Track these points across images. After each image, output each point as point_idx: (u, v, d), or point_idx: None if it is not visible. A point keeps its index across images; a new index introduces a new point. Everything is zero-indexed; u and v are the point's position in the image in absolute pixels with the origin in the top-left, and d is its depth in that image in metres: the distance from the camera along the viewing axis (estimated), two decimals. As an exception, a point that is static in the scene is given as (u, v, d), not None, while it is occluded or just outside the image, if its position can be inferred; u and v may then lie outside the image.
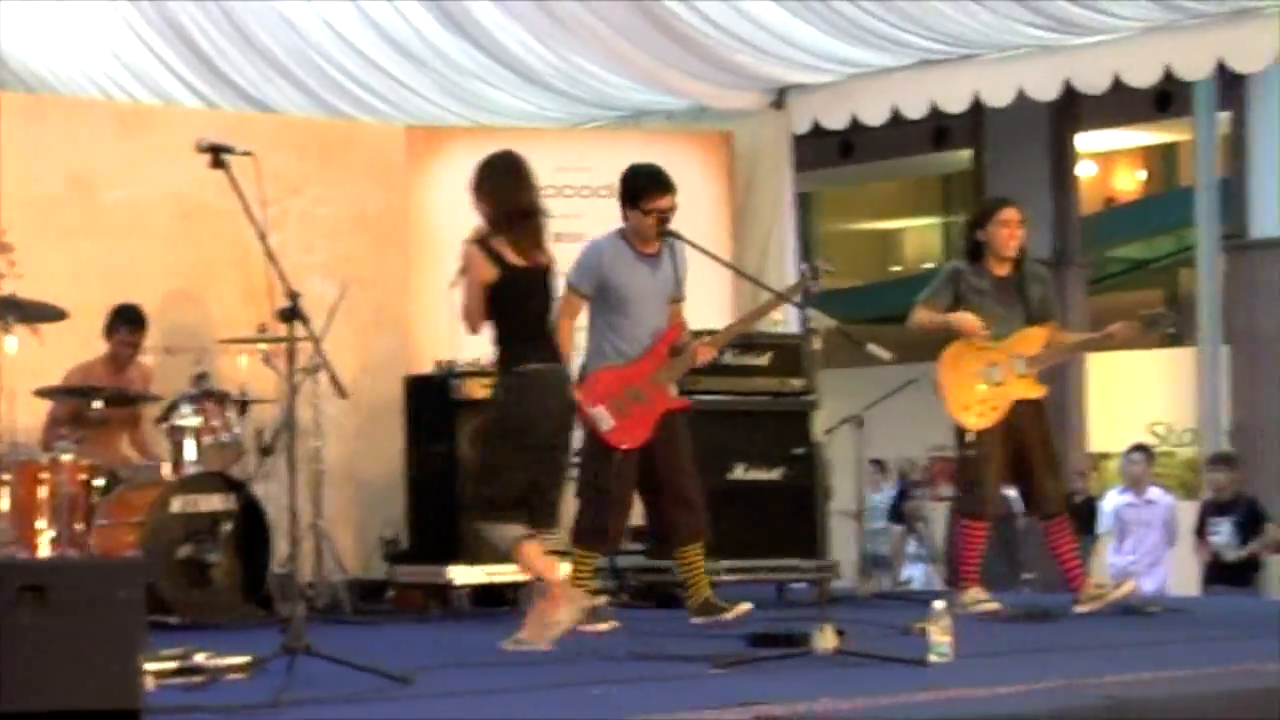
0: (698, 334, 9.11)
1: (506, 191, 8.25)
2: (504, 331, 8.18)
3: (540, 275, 8.22)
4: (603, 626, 8.63)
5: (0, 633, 5.01)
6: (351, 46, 13.20)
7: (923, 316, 9.69)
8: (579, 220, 12.28)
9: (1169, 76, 11.70)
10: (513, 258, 8.10)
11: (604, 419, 8.74)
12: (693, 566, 9.07)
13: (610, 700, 6.32)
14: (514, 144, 12.34)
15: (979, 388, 9.60)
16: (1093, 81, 11.84)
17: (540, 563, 8.06)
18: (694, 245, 8.55)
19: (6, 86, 14.08)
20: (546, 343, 8.24)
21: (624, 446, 8.77)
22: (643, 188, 8.92)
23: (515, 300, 8.10)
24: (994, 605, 9.61)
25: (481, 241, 8.13)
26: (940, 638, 7.14)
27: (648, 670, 7.22)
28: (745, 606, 8.82)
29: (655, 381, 8.82)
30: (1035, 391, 9.64)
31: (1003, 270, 9.69)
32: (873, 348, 8.02)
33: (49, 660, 5.02)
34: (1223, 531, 14.02)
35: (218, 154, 7.24)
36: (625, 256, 8.88)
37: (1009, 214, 9.72)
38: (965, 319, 9.54)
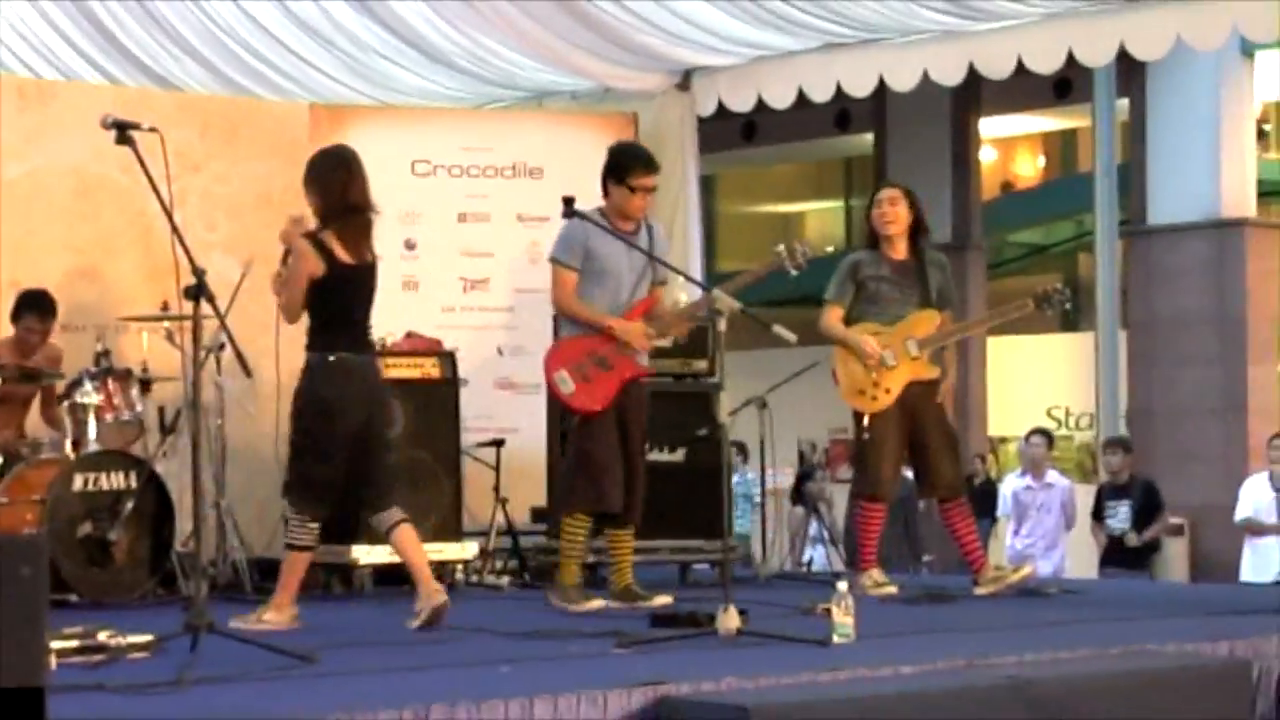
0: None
1: (338, 186, 8.29)
2: (319, 323, 8.25)
3: (365, 272, 8.29)
4: (593, 605, 8.77)
5: (-99, 610, 4.96)
6: (257, 23, 13.11)
7: (832, 322, 9.77)
8: (484, 200, 12.31)
9: (1071, 63, 11.78)
10: (340, 253, 8.16)
11: (564, 382, 8.90)
12: (620, 551, 9.18)
13: (514, 678, 6.34)
14: (419, 123, 12.52)
15: (873, 372, 9.67)
16: (996, 66, 11.91)
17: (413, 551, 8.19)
18: (594, 223, 8.56)
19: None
20: (361, 336, 8.34)
21: (586, 409, 8.88)
22: (629, 165, 9.02)
23: (338, 295, 8.19)
24: (892, 588, 9.69)
25: (312, 235, 8.15)
26: (843, 618, 7.20)
27: (552, 649, 7.24)
28: (666, 598, 8.84)
29: (621, 350, 8.88)
30: (928, 373, 9.72)
31: (899, 254, 9.78)
32: (778, 329, 8.03)
33: (-49, 637, 4.97)
34: (1120, 515, 14.19)
35: (123, 130, 7.20)
36: (604, 231, 8.91)
37: (884, 193, 9.91)
38: (864, 345, 9.62)
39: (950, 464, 9.88)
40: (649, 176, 9.04)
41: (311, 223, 8.25)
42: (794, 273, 9.01)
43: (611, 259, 8.97)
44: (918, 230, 9.85)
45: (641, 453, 9.07)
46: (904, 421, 9.70)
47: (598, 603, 8.92)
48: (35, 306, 10.13)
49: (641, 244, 8.98)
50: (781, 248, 8.92)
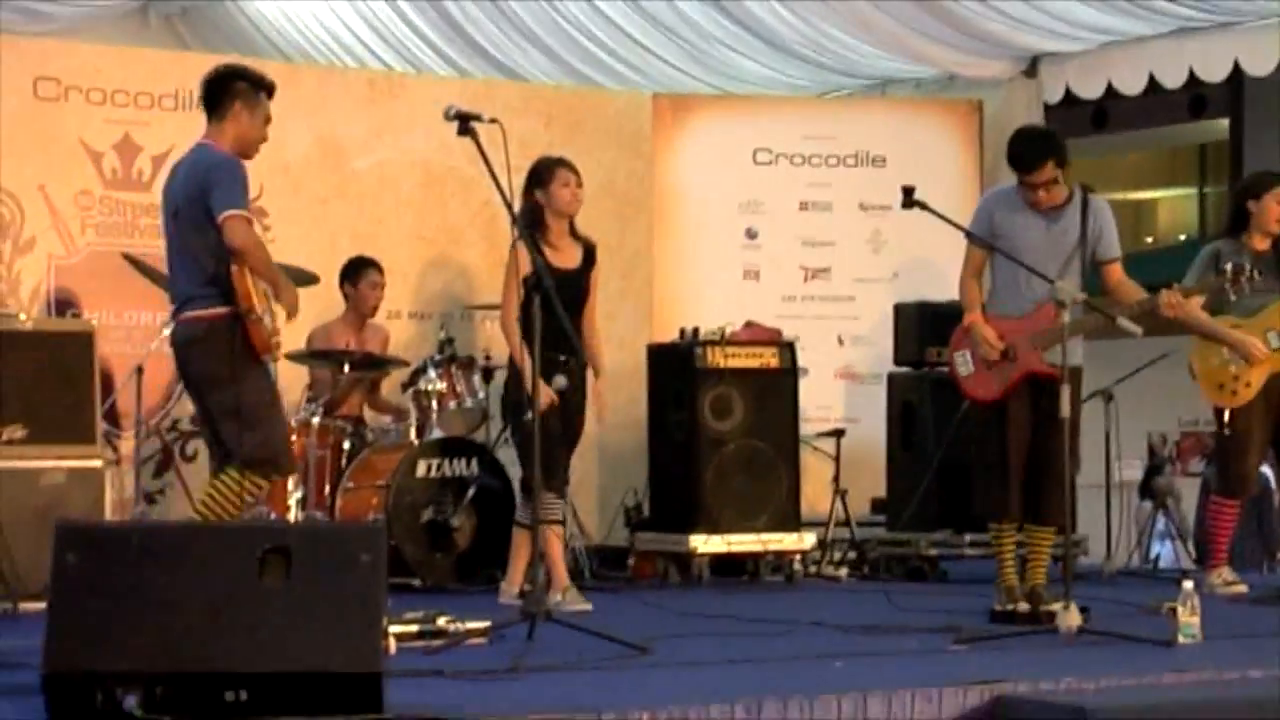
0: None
1: None
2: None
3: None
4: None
5: (245, 595, 5.07)
6: (600, 13, 13.20)
7: (1197, 312, 9.30)
8: (826, 189, 12.25)
9: None
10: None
11: (965, 363, 8.36)
12: (1035, 548, 8.46)
13: (848, 673, 6.28)
14: (761, 112, 12.53)
15: (1232, 365, 9.40)
16: (1358, 50, 11.49)
17: None
18: (935, 213, 8.37)
19: (262, 54, 14.29)
20: None
21: (974, 395, 8.37)
22: (1013, 164, 8.42)
23: None
24: (1242, 587, 9.41)
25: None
26: (1188, 618, 7.01)
27: (888, 644, 7.16)
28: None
29: (1034, 342, 8.17)
30: None
31: (1263, 245, 9.47)
32: (1124, 322, 7.83)
33: (292, 622, 5.07)
34: None
35: (465, 121, 7.29)
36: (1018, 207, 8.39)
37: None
38: (1249, 345, 9.32)
39: None
40: (1029, 173, 8.31)
41: None
42: (1234, 298, 8.86)
43: (1021, 236, 8.33)
44: None
45: (1056, 450, 7.80)
46: (1268, 415, 9.41)
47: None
48: (370, 262, 10.33)
49: (1064, 224, 8.37)
50: (1228, 269, 8.60)
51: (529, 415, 7.93)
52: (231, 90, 7.71)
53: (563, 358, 8.58)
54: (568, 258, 8.91)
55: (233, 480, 7.55)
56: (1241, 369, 9.39)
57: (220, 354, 7.49)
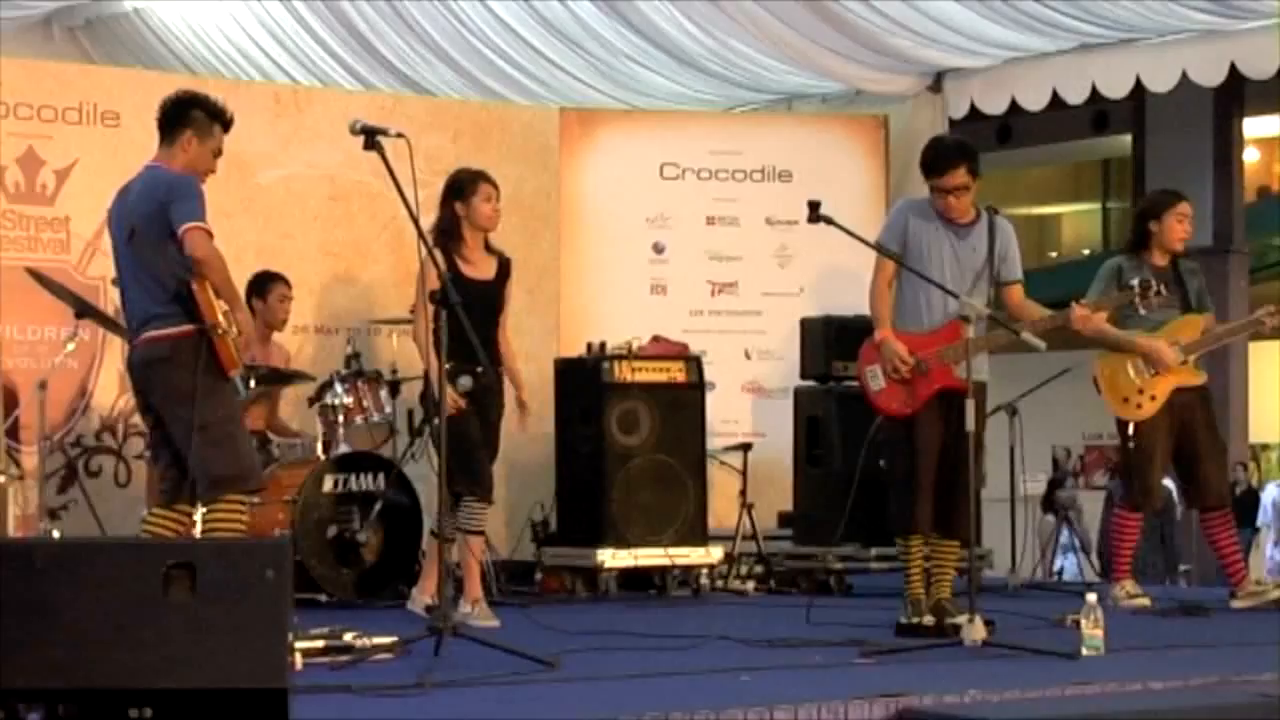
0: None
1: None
2: None
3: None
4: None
5: (150, 611, 5.04)
6: (506, 27, 13.22)
7: (1102, 324, 9.28)
8: (732, 204, 12.28)
9: (1338, 61, 11.46)
10: None
11: (875, 377, 8.34)
12: (941, 562, 8.48)
13: (756, 687, 6.29)
14: (668, 126, 12.55)
15: (1136, 379, 9.48)
16: (1259, 66, 11.60)
17: None
18: (841, 228, 8.39)
19: (167, 66, 14.24)
20: None
21: (886, 409, 8.38)
22: (929, 168, 8.44)
23: None
24: (1145, 600, 9.49)
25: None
26: (1092, 631, 7.06)
27: (794, 658, 7.19)
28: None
29: (943, 357, 8.21)
30: (1194, 378, 9.51)
31: (1163, 262, 9.58)
32: (1027, 336, 7.90)
33: (197, 639, 5.05)
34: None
35: (371, 136, 7.26)
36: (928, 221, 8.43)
37: (1185, 208, 9.68)
38: (1160, 351, 9.41)
39: (1218, 473, 9.67)
40: (946, 176, 8.36)
41: None
42: (1143, 312, 8.97)
43: (932, 249, 8.38)
44: None
45: (964, 463, 7.99)
46: (1172, 430, 9.50)
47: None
48: (278, 276, 10.29)
49: (972, 240, 8.42)
50: (1136, 283, 8.71)
51: (458, 425, 8.17)
52: (187, 118, 7.67)
53: (478, 369, 8.57)
54: (482, 270, 8.93)
55: (227, 504, 7.50)
56: (1146, 383, 9.47)
57: (187, 371, 7.42)
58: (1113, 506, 14.58)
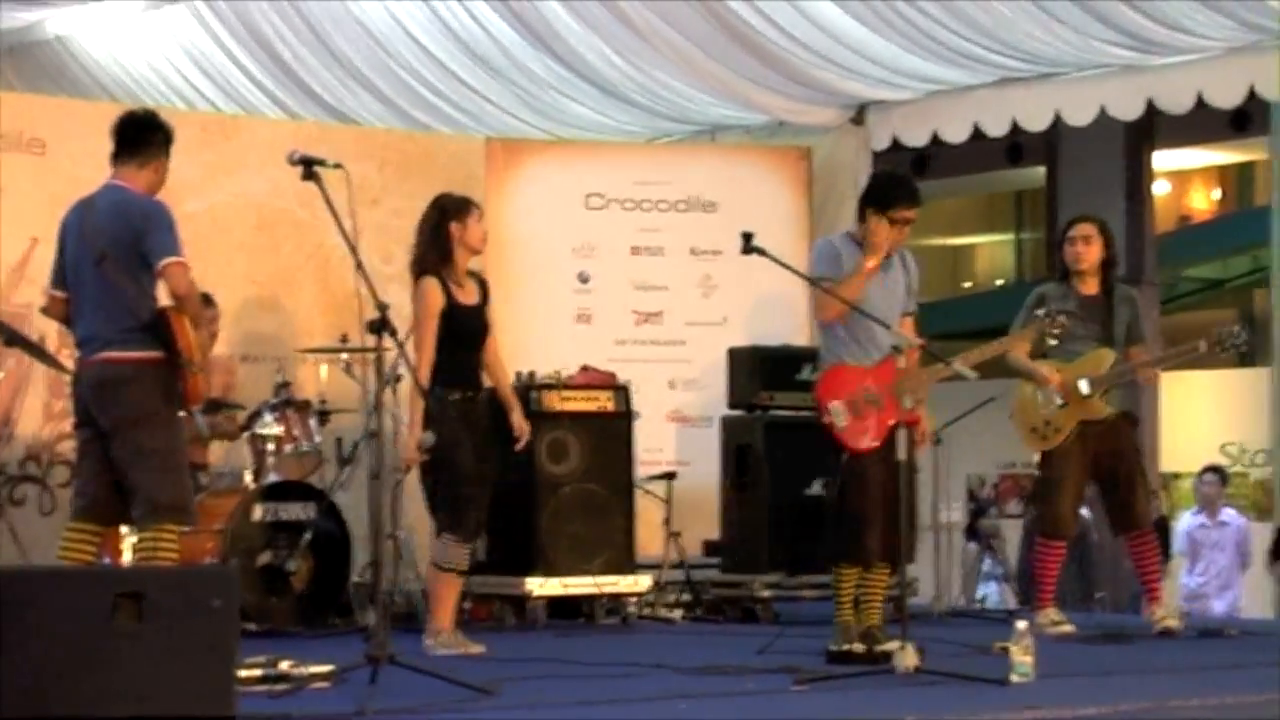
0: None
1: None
2: None
3: None
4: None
5: (97, 639, 5.05)
6: (432, 57, 13.25)
7: (1017, 354, 9.59)
8: (657, 234, 12.35)
9: (1251, 96, 11.63)
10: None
11: (839, 414, 8.38)
12: (872, 589, 8.59)
13: (693, 715, 6.34)
14: (593, 157, 12.60)
15: (1043, 410, 9.59)
16: (1175, 101, 11.78)
17: None
18: (774, 259, 8.49)
19: (90, 95, 14.19)
20: None
21: (855, 446, 8.37)
22: (895, 195, 8.55)
23: None
24: (1069, 627, 9.59)
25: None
26: (1022, 658, 7.13)
27: (729, 685, 7.23)
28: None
29: (893, 390, 8.32)
30: (1099, 412, 9.56)
31: (1090, 289, 9.69)
32: (959, 366, 7.99)
33: (144, 667, 5.07)
34: (1306, 557, 13.88)
35: (309, 166, 7.30)
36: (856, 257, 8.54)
37: (1077, 229, 9.80)
38: (1041, 374, 9.54)
39: (1142, 498, 9.76)
40: (913, 209, 8.57)
41: None
42: (1052, 343, 9.24)
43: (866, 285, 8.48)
44: (1110, 264, 9.76)
45: (901, 497, 8.09)
46: (1085, 459, 9.59)
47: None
48: (207, 298, 10.25)
49: (895, 274, 8.57)
50: (1041, 314, 8.92)
51: (439, 453, 8.33)
52: (156, 139, 7.73)
53: (470, 394, 8.65)
54: (469, 294, 8.88)
55: (166, 533, 7.52)
56: (1052, 415, 9.57)
57: (150, 396, 7.46)
58: (1031, 535, 14.78)
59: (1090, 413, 9.56)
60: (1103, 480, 9.70)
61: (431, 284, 8.69)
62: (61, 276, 7.78)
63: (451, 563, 8.75)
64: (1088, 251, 9.68)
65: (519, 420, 9.00)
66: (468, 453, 8.65)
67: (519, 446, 9.07)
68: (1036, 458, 9.91)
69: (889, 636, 8.07)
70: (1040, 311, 9.03)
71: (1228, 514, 15.13)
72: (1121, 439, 9.67)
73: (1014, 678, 7.09)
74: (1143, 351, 9.77)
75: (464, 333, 8.66)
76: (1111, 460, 9.60)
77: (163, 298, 7.65)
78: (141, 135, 7.73)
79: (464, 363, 8.72)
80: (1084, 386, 9.52)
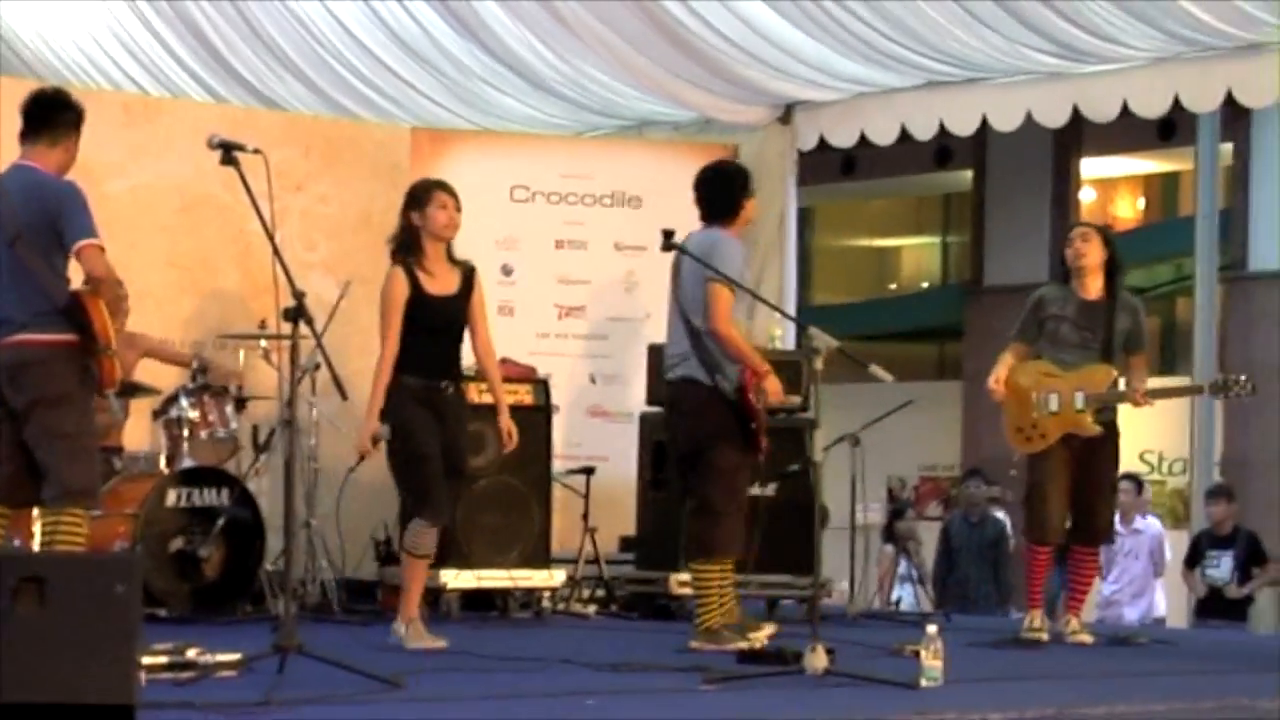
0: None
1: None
2: None
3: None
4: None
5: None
6: (360, 45, 13.19)
7: (1001, 355, 9.69)
8: (581, 228, 12.33)
9: (1176, 106, 11.70)
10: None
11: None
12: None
13: (601, 711, 6.33)
14: (519, 149, 12.58)
15: (1034, 413, 9.55)
16: (1101, 109, 11.84)
17: None
18: (694, 257, 8.54)
19: (14, 72, 14.07)
20: None
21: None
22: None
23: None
24: (1044, 635, 9.51)
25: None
26: (931, 661, 7.15)
27: (639, 682, 7.23)
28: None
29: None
30: (1088, 429, 9.47)
31: (1091, 294, 9.60)
32: (875, 369, 8.00)
33: (46, 653, 5.03)
34: (1222, 565, 13.95)
35: (228, 151, 7.25)
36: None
37: (1075, 230, 9.78)
38: (992, 378, 9.58)
39: (1105, 513, 9.76)
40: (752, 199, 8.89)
41: None
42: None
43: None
44: (1114, 270, 9.67)
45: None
46: (1070, 465, 9.55)
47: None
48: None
49: None
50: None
51: (398, 439, 8.34)
52: (66, 119, 7.64)
53: (443, 384, 8.56)
54: (445, 284, 8.67)
55: (73, 516, 7.44)
56: (1040, 420, 9.53)
57: (62, 379, 7.39)
58: (948, 537, 14.83)
59: (1079, 428, 9.46)
60: (1074, 489, 9.63)
61: (395, 273, 8.58)
62: None
63: (420, 548, 8.55)
64: (1086, 248, 9.55)
65: (504, 422, 8.87)
66: (429, 435, 8.48)
67: (507, 449, 8.99)
68: (1016, 458, 9.87)
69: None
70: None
71: (1141, 522, 15.18)
72: (1102, 452, 9.62)
73: (923, 681, 7.11)
74: (1141, 362, 9.70)
75: (433, 322, 8.52)
76: (1087, 472, 9.56)
77: (75, 279, 7.58)
78: (51, 114, 7.65)
79: (432, 352, 8.55)
80: (1079, 401, 9.45)
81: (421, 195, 8.78)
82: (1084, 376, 9.49)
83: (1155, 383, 10.33)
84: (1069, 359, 9.52)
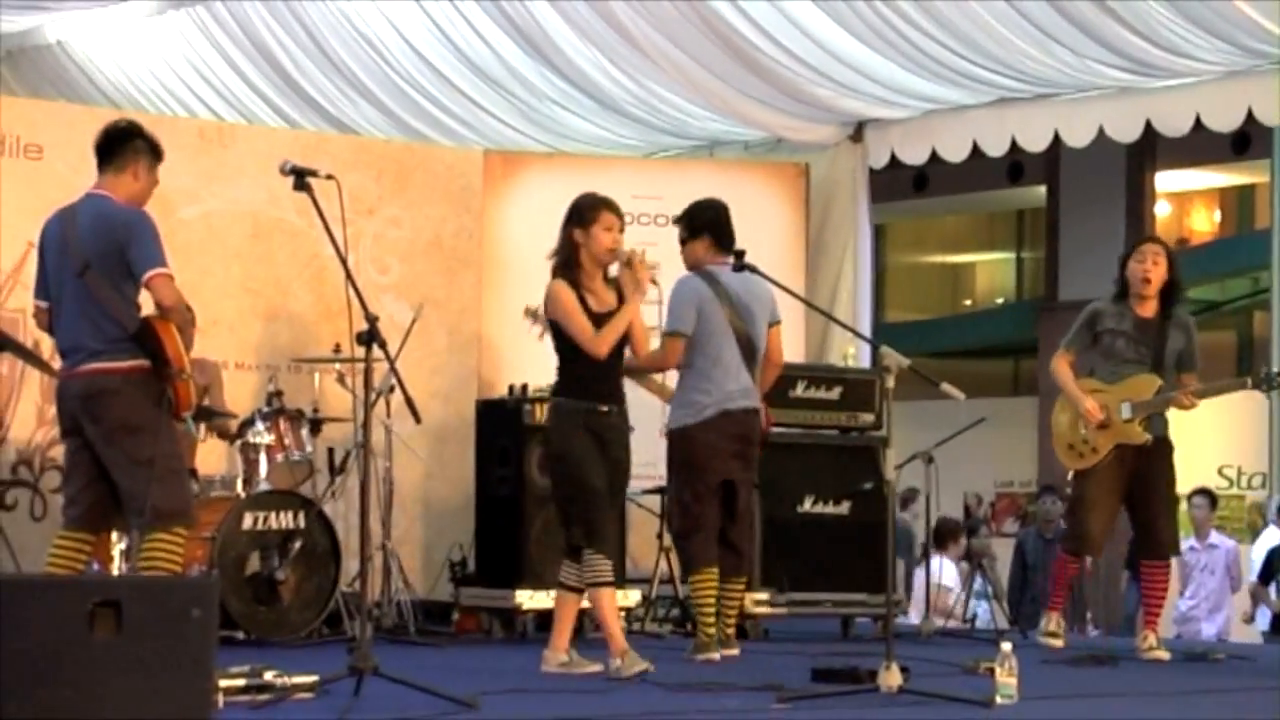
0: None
1: None
2: None
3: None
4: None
5: (75, 649, 5.04)
6: (431, 68, 13.27)
7: (1061, 371, 9.73)
8: (653, 248, 12.29)
9: (1250, 119, 11.65)
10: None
11: None
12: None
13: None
14: (590, 170, 12.58)
15: (1082, 429, 9.56)
16: (1173, 124, 11.81)
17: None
18: (766, 277, 8.56)
19: (90, 100, 14.21)
20: None
21: None
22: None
23: None
24: (1059, 642, 9.58)
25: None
26: (1006, 679, 7.12)
27: (711, 703, 7.22)
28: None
29: None
30: (1137, 438, 9.49)
31: (1147, 311, 9.62)
32: (947, 387, 7.97)
33: (122, 677, 5.04)
34: (1294, 582, 13.86)
35: (300, 177, 7.29)
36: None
37: (1147, 247, 9.75)
38: (1085, 406, 9.53)
39: (1168, 526, 9.74)
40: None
41: None
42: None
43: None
44: (1172, 290, 9.66)
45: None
46: (1120, 482, 9.56)
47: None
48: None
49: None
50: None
51: (572, 471, 8.14)
52: (134, 147, 7.71)
53: (604, 407, 8.22)
54: (602, 301, 8.33)
55: (172, 537, 7.53)
56: (1090, 434, 9.54)
57: (140, 405, 7.46)
58: (1022, 552, 14.79)
59: (1129, 437, 9.49)
60: (1132, 505, 9.66)
61: (560, 285, 8.25)
62: (44, 287, 7.78)
63: (604, 575, 8.20)
64: (1157, 271, 9.57)
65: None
66: (594, 464, 8.15)
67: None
68: (1070, 475, 9.89)
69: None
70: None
71: (1217, 537, 15.11)
72: (1156, 465, 9.61)
73: (998, 699, 7.08)
74: (1193, 380, 9.64)
75: None
76: (1143, 486, 9.57)
77: (145, 305, 7.66)
78: (117, 145, 7.72)
79: (592, 374, 8.20)
80: (1125, 411, 9.46)
81: (587, 212, 8.48)
82: (1129, 387, 9.53)
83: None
84: (1119, 373, 9.51)
